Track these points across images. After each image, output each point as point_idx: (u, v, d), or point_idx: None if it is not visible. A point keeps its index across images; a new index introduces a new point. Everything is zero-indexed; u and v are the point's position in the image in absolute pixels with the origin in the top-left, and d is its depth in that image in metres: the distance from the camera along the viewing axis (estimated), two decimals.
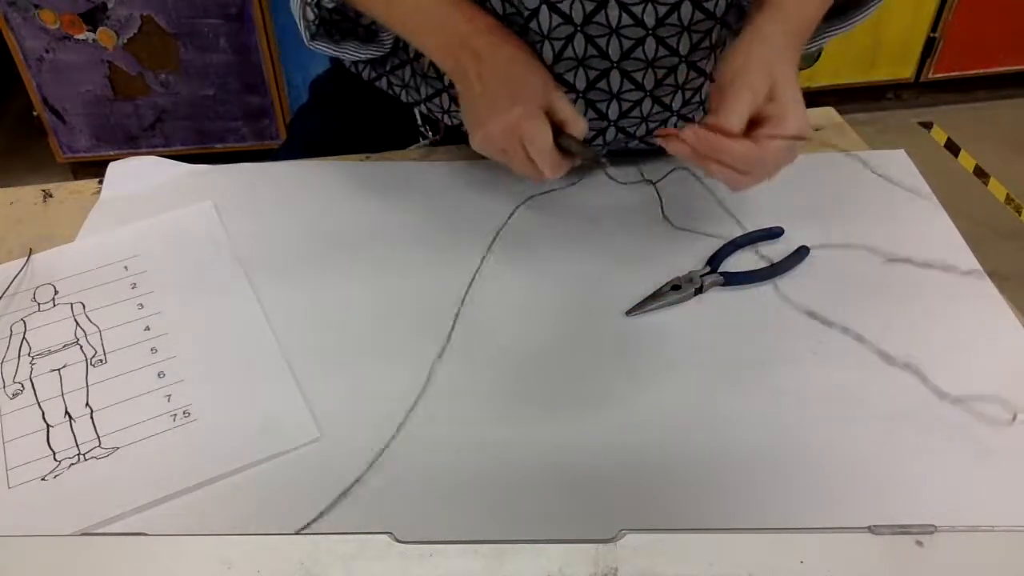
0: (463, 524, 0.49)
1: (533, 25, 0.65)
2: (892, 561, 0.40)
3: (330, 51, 0.72)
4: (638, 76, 0.68)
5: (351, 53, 0.73)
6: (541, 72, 0.63)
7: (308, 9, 0.67)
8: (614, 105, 0.69)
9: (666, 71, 0.68)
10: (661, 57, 0.67)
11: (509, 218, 0.69)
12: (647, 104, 0.70)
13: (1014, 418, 0.52)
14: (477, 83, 0.61)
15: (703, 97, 0.72)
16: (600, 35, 0.65)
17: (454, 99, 0.74)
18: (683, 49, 0.67)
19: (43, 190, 0.75)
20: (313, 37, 0.70)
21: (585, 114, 0.70)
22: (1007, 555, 0.41)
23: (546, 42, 0.66)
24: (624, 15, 0.64)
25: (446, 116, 0.76)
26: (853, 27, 0.70)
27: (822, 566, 0.40)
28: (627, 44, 0.66)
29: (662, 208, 0.69)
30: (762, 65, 0.57)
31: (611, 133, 0.71)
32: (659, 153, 0.76)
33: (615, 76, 0.68)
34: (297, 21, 0.70)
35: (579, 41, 0.65)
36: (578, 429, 0.54)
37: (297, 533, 0.42)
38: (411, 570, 0.40)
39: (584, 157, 0.61)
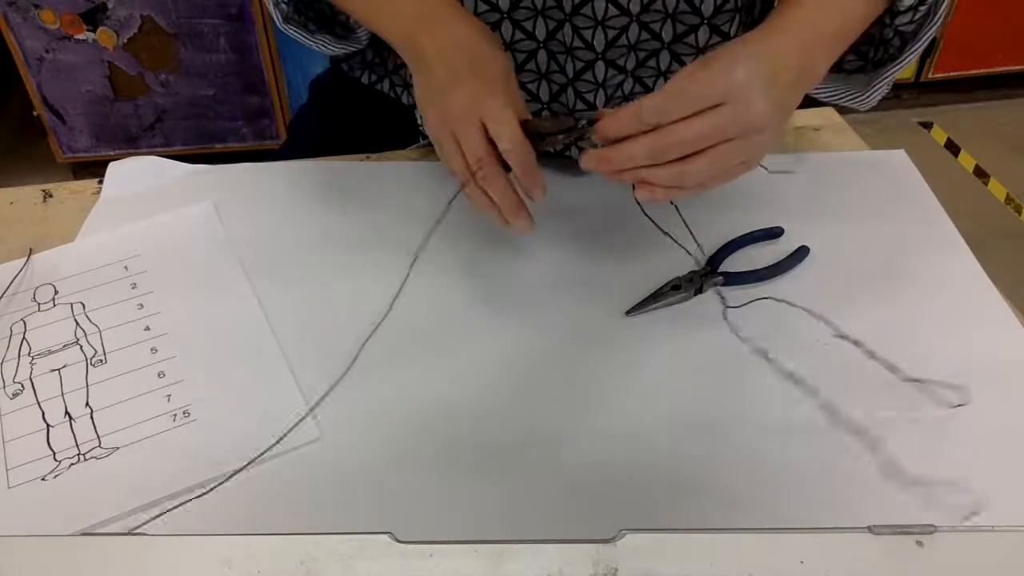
0: (463, 524, 0.49)
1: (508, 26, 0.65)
2: (892, 561, 0.40)
3: (303, 39, 0.70)
4: (621, 61, 0.68)
5: (324, 47, 0.71)
6: (503, 53, 0.59)
7: None
8: (600, 94, 0.69)
9: (647, 54, 0.68)
10: (643, 41, 0.67)
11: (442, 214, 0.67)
12: (628, 84, 0.70)
13: None
14: (436, 59, 0.57)
15: None
16: (586, 27, 0.65)
17: None
18: (666, 36, 0.67)
19: (43, 190, 0.75)
20: (286, 19, 0.68)
21: (574, 105, 0.70)
22: (1007, 555, 0.41)
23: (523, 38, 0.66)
24: (610, 7, 0.64)
25: None
26: (878, 90, 0.65)
27: (822, 566, 0.40)
28: (611, 34, 0.66)
29: (642, 207, 0.67)
30: (707, 57, 0.51)
31: None
32: None
33: (600, 66, 0.68)
34: (266, 2, 0.68)
35: (568, 30, 0.65)
36: (578, 429, 0.54)
37: (297, 533, 0.42)
38: (411, 570, 0.40)
39: (562, 132, 0.55)
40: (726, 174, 0.52)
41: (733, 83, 0.49)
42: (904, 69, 0.64)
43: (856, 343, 0.56)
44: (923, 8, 0.58)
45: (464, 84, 0.55)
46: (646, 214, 0.67)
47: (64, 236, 0.70)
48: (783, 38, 0.53)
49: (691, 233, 0.67)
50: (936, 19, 0.60)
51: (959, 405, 0.53)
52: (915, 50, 0.62)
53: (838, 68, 0.67)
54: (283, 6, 0.67)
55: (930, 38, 0.61)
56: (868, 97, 0.66)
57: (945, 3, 0.59)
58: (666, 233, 0.67)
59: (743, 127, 0.50)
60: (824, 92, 0.67)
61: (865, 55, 0.65)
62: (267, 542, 0.42)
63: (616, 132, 0.51)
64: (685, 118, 0.49)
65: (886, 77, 0.64)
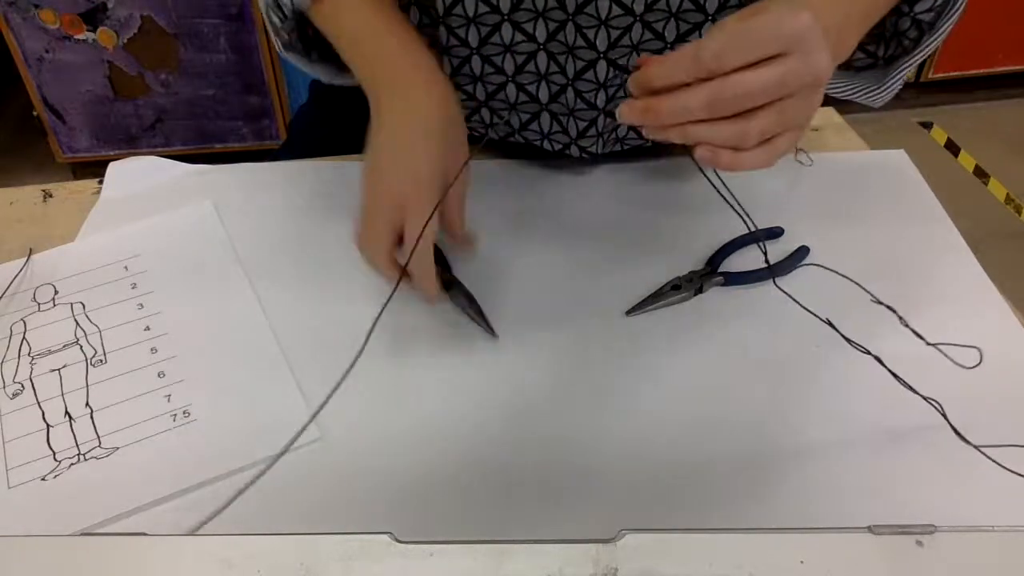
0: (463, 524, 0.49)
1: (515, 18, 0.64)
2: (892, 561, 0.40)
3: (303, 67, 0.68)
4: (623, 61, 0.67)
5: (326, 77, 0.69)
6: (455, 130, 0.58)
7: (272, 14, 0.64)
8: (601, 94, 0.69)
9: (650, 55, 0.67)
10: (647, 41, 0.67)
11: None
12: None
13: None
14: (387, 115, 0.57)
15: None
16: (589, 26, 0.65)
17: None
18: (669, 36, 0.67)
19: (43, 190, 0.75)
20: (286, 47, 0.66)
21: (574, 105, 0.70)
22: (1007, 555, 0.41)
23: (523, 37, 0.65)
24: (614, 6, 0.64)
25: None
26: (892, 85, 0.63)
27: (822, 566, 0.40)
28: (615, 34, 0.65)
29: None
30: (759, 4, 0.46)
31: (602, 121, 0.71)
32: (652, 152, 0.76)
33: (602, 65, 0.67)
34: (268, 29, 0.67)
35: (570, 30, 0.65)
36: (578, 429, 0.54)
37: (297, 533, 0.42)
38: (411, 570, 0.40)
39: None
40: (784, 138, 0.47)
41: (798, 31, 0.44)
42: (919, 62, 0.62)
43: (891, 308, 0.55)
44: None
45: (399, 174, 0.55)
46: (704, 175, 0.65)
47: (64, 236, 0.70)
48: (819, 1, 0.48)
49: (738, 205, 0.66)
50: (956, 8, 0.57)
51: (974, 366, 0.53)
52: (933, 42, 0.59)
53: (847, 65, 0.66)
54: (284, 35, 0.65)
55: (948, 30, 0.58)
56: (884, 92, 0.64)
57: None
58: (725, 197, 0.66)
59: (807, 80, 0.45)
60: (838, 88, 0.66)
61: (875, 53, 0.65)
62: (267, 542, 0.42)
63: (664, 79, 0.45)
64: (746, 67, 0.44)
65: (902, 70, 0.62)
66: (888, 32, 0.62)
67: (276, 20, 0.64)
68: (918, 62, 0.62)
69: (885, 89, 0.64)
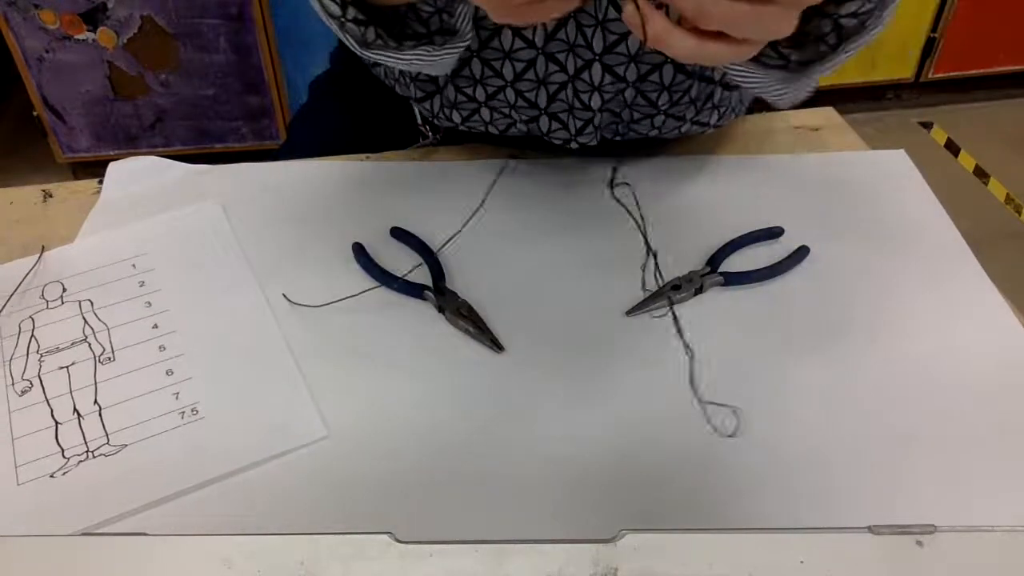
0: (463, 524, 0.49)
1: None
2: (892, 561, 0.40)
3: (391, 60, 0.61)
4: (620, 70, 0.67)
5: (424, 58, 0.61)
6: None
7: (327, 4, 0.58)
8: (596, 97, 0.69)
9: (650, 68, 0.67)
10: (646, 54, 0.66)
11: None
12: (630, 93, 0.69)
13: None
14: None
15: (692, 97, 0.71)
16: (588, 24, 0.65)
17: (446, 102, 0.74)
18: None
19: (43, 190, 0.75)
20: (366, 45, 0.60)
21: (571, 105, 0.70)
22: (1007, 555, 0.41)
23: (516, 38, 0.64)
24: (610, 10, 0.63)
25: (436, 119, 0.76)
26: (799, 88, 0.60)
27: (822, 566, 0.40)
28: (611, 38, 0.65)
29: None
30: None
31: (598, 119, 0.71)
32: (650, 146, 0.76)
33: (596, 68, 0.67)
34: (337, 32, 0.61)
35: (571, 27, 0.65)
36: (578, 429, 0.54)
37: (297, 533, 0.43)
38: (411, 570, 0.40)
39: None
40: (725, 48, 0.43)
41: None
42: (830, 73, 0.60)
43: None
44: (871, 3, 0.55)
45: None
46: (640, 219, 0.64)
47: (64, 236, 0.70)
48: None
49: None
50: (882, 18, 0.56)
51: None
52: (848, 52, 0.58)
53: (757, 59, 0.61)
54: (357, 29, 0.59)
55: (866, 43, 0.57)
56: (791, 94, 0.61)
57: (894, 5, 0.56)
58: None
59: None
60: (747, 77, 0.61)
61: (787, 56, 0.61)
62: (267, 542, 0.42)
63: None
64: None
65: (815, 75, 0.59)
66: (810, 36, 0.60)
67: (335, 9, 0.58)
68: (831, 70, 0.59)
69: (793, 92, 0.61)
